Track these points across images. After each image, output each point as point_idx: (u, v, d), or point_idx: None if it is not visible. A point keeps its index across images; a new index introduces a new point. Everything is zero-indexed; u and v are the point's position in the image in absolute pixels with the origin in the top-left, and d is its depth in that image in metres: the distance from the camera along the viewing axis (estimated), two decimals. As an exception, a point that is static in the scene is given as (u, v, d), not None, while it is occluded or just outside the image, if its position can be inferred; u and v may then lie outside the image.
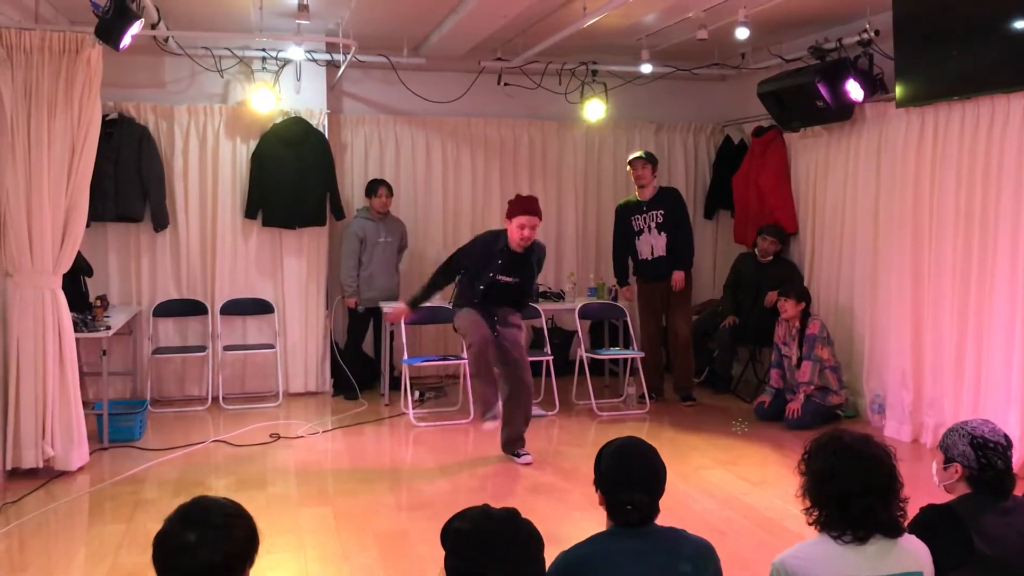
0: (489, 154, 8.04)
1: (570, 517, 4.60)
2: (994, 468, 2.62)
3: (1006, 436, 2.70)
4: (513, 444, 5.67)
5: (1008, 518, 2.59)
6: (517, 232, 5.45)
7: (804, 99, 6.63)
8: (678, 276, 7.09)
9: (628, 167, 7.22)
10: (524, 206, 5.50)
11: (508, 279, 5.55)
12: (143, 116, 7.12)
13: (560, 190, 8.38)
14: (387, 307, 7.09)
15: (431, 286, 5.78)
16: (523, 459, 5.59)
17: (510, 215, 5.51)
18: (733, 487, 5.18)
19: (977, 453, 2.63)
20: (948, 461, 2.70)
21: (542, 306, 7.29)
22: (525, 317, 7.24)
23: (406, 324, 6.44)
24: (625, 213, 7.24)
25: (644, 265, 7.18)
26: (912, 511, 2.49)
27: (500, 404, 5.61)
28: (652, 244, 7.11)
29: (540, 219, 5.56)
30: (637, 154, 7.21)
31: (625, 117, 8.37)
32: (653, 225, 7.08)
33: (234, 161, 7.33)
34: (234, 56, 7.24)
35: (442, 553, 2.01)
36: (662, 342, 7.34)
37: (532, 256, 5.65)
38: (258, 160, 7.25)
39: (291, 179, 7.18)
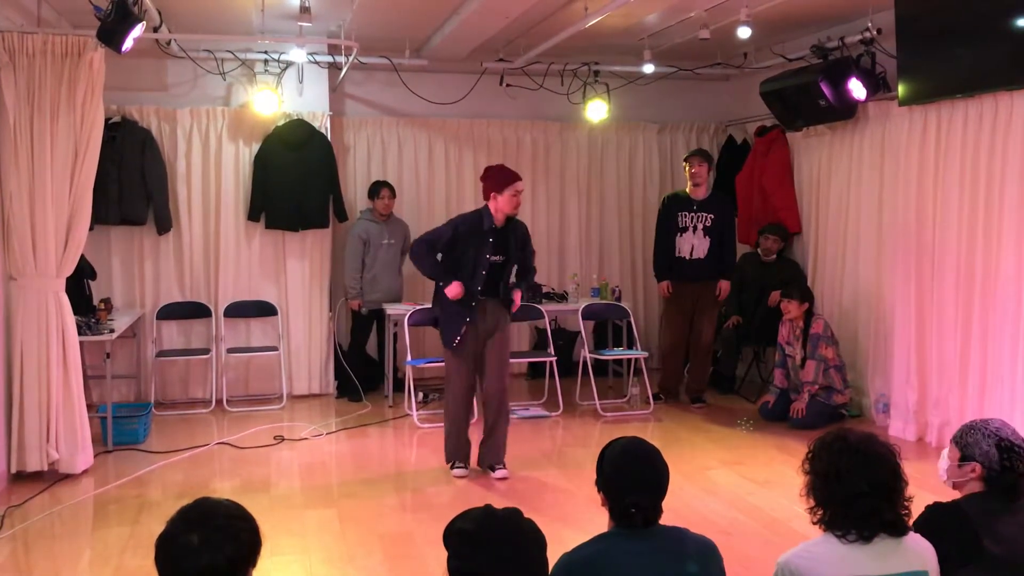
0: (492, 155, 8.03)
1: (573, 517, 4.60)
2: (1015, 471, 2.61)
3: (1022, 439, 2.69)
4: (489, 460, 5.46)
5: (1018, 518, 2.58)
6: (512, 201, 5.21)
7: (807, 98, 6.62)
8: (725, 286, 7.03)
9: (684, 163, 7.17)
10: (508, 174, 5.28)
11: (499, 258, 5.33)
12: (146, 119, 7.13)
13: (563, 191, 8.38)
14: (390, 308, 7.11)
15: (436, 272, 5.39)
16: (499, 473, 5.37)
17: (498, 188, 5.22)
18: (738, 487, 5.18)
19: (1002, 456, 2.61)
20: (966, 459, 2.67)
21: (545, 307, 7.28)
22: (531, 317, 7.28)
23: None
24: (672, 207, 7.13)
25: (680, 264, 7.08)
26: (917, 510, 2.48)
27: (470, 456, 5.52)
28: (694, 245, 7.03)
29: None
30: (696, 150, 7.19)
31: (628, 117, 8.37)
32: (700, 227, 7.00)
33: (237, 164, 7.33)
34: (236, 59, 7.24)
35: (446, 554, 2.00)
36: (685, 345, 7.26)
37: (517, 234, 5.42)
38: (261, 163, 7.26)
39: (294, 181, 7.19)
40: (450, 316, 5.39)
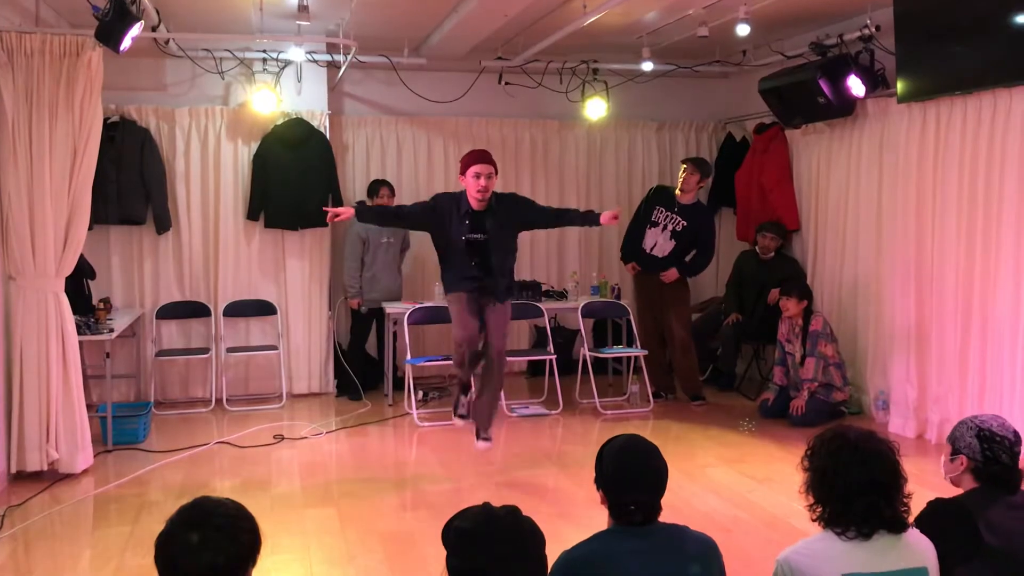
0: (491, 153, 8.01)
1: (572, 515, 4.59)
2: (999, 462, 2.62)
3: (1015, 432, 2.69)
4: (475, 423, 5.41)
5: (1017, 512, 2.58)
6: (473, 183, 5.12)
7: (806, 95, 6.62)
8: (671, 273, 7.00)
9: (681, 164, 7.23)
10: (474, 156, 5.22)
11: (480, 236, 5.25)
12: (144, 118, 7.12)
13: (562, 189, 8.36)
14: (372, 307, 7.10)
15: (384, 212, 5.74)
16: (481, 444, 5.36)
17: (463, 171, 5.20)
18: (738, 485, 5.18)
19: (983, 446, 2.63)
20: (955, 453, 2.71)
21: (545, 305, 7.28)
22: (530, 315, 7.28)
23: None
24: (654, 199, 7.20)
25: (643, 256, 7.16)
26: (916, 507, 2.48)
27: (468, 404, 5.45)
28: (658, 242, 7.06)
29: (495, 168, 5.22)
30: (693, 158, 7.30)
31: (626, 115, 8.36)
32: (671, 228, 7.02)
33: (236, 163, 7.33)
34: (235, 58, 7.24)
35: (445, 553, 2.01)
36: (661, 340, 7.30)
37: (502, 210, 5.29)
38: (260, 162, 7.26)
39: (293, 180, 7.18)
40: (452, 273, 5.39)
